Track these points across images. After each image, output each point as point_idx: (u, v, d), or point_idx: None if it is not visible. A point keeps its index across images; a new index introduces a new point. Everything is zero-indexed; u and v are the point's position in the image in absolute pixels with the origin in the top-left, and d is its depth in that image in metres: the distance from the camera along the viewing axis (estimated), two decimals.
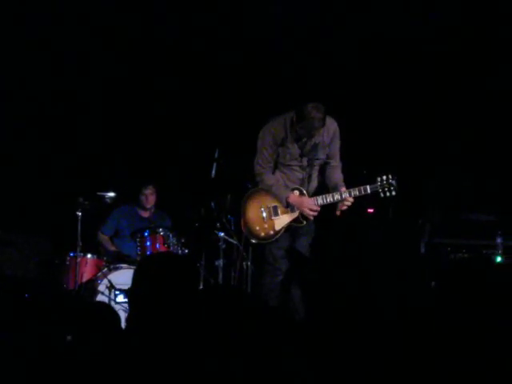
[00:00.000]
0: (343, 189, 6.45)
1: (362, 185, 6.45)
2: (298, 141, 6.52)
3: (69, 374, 2.89)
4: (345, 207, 6.46)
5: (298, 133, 6.46)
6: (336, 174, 6.68)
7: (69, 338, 3.10)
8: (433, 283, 6.68)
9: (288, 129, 6.49)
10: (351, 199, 6.44)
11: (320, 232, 6.83)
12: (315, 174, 6.67)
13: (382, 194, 6.45)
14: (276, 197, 6.59)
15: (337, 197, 6.47)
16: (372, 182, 6.45)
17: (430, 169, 8.51)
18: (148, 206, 8.54)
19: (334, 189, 6.55)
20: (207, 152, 7.86)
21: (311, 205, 6.51)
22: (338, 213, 6.51)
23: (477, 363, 2.98)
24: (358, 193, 6.44)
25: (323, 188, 6.70)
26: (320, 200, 6.52)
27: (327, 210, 6.60)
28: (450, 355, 3.04)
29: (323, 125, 6.41)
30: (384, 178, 6.44)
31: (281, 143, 6.53)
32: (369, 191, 6.44)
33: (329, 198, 6.50)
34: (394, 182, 6.43)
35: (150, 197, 8.52)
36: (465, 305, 3.21)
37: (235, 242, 7.46)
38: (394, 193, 6.45)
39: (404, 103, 8.62)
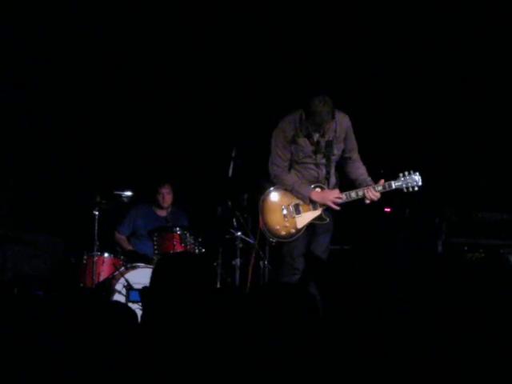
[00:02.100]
0: (369, 187, 6.46)
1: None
2: (308, 137, 6.50)
3: (82, 372, 2.91)
4: (368, 201, 6.47)
5: (308, 129, 6.44)
6: (360, 169, 6.68)
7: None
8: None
9: (298, 126, 6.48)
10: (378, 194, 6.45)
11: (337, 231, 6.83)
12: (333, 170, 6.65)
13: (405, 190, 6.48)
14: (297, 195, 6.58)
15: (360, 193, 6.48)
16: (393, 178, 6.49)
17: (447, 168, 8.49)
18: (165, 205, 8.55)
19: (362, 184, 6.56)
20: (224, 151, 7.86)
21: (335, 195, 6.50)
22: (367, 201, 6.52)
23: (491, 364, 2.97)
24: (382, 189, 6.47)
25: (342, 183, 6.69)
26: (344, 196, 6.52)
27: (345, 208, 6.59)
28: (464, 355, 3.04)
29: (333, 117, 6.39)
30: (406, 173, 6.47)
31: (292, 141, 6.51)
32: (393, 187, 6.47)
33: (353, 194, 6.51)
34: (416, 178, 6.47)
35: (166, 196, 8.53)
36: (480, 304, 3.20)
37: (252, 241, 7.45)
38: (416, 188, 6.49)
39: (420, 101, 8.59)
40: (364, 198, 6.49)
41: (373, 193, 6.46)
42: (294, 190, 6.56)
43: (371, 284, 7.06)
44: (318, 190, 6.57)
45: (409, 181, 6.47)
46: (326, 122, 6.38)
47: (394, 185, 6.48)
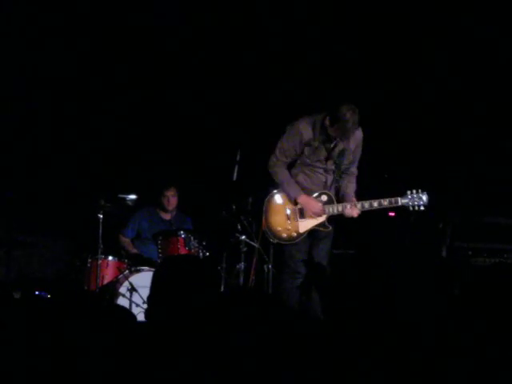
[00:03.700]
0: (373, 201, 6.47)
1: (385, 193, 6.50)
2: (325, 143, 6.47)
3: (80, 373, 2.91)
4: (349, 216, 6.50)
5: (327, 135, 6.41)
6: (350, 184, 6.69)
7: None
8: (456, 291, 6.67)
9: (317, 130, 6.44)
10: (359, 212, 6.45)
11: (341, 235, 6.83)
12: (339, 178, 6.65)
13: (411, 208, 6.47)
14: (286, 192, 6.55)
15: (366, 205, 6.47)
16: (394, 192, 6.51)
17: (452, 172, 8.48)
18: (169, 209, 8.55)
19: (343, 197, 6.58)
20: (229, 154, 7.86)
21: (317, 211, 6.50)
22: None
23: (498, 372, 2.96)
24: (388, 204, 6.45)
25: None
26: (327, 210, 6.53)
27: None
28: (470, 362, 3.03)
29: (358, 127, 6.39)
30: (414, 191, 6.46)
31: (307, 143, 6.47)
32: (400, 204, 6.46)
33: (330, 210, 6.52)
34: (424, 197, 6.44)
35: (171, 199, 8.52)
36: (489, 313, 3.20)
37: (256, 245, 7.46)
38: (422, 208, 6.47)
39: (424, 108, 8.59)
40: (343, 213, 6.51)
41: (355, 210, 6.47)
42: (284, 186, 6.54)
43: (375, 288, 7.05)
44: (324, 197, 6.55)
45: (416, 200, 6.45)
46: (351, 131, 6.35)
47: (401, 202, 6.46)
